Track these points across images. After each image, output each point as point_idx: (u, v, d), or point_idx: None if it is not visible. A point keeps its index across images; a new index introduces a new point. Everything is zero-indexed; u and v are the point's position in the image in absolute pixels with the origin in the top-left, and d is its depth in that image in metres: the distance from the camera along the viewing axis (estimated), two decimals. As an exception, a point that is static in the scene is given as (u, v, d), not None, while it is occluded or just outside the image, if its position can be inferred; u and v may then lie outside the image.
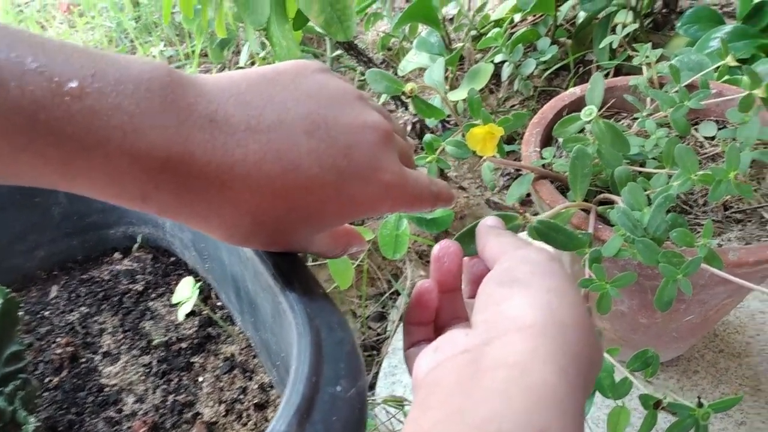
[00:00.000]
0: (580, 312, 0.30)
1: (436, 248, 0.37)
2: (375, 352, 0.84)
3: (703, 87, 0.63)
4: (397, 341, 0.81)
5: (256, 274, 0.38)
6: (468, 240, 0.46)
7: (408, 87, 0.46)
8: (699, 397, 0.43)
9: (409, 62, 1.16)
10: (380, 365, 0.79)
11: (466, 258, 0.38)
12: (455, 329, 0.33)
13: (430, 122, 0.52)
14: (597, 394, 0.47)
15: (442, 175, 1.09)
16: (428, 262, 0.98)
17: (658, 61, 0.70)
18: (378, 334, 0.87)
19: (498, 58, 1.12)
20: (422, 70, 1.40)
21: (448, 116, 1.05)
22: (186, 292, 0.43)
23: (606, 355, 0.48)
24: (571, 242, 0.43)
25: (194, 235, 0.52)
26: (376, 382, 0.77)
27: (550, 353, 0.27)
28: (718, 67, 0.67)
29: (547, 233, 0.43)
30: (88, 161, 0.27)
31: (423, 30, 1.29)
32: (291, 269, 0.38)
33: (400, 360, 0.79)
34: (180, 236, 0.55)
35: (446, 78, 1.18)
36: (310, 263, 0.89)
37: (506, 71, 1.11)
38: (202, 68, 1.47)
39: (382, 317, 0.90)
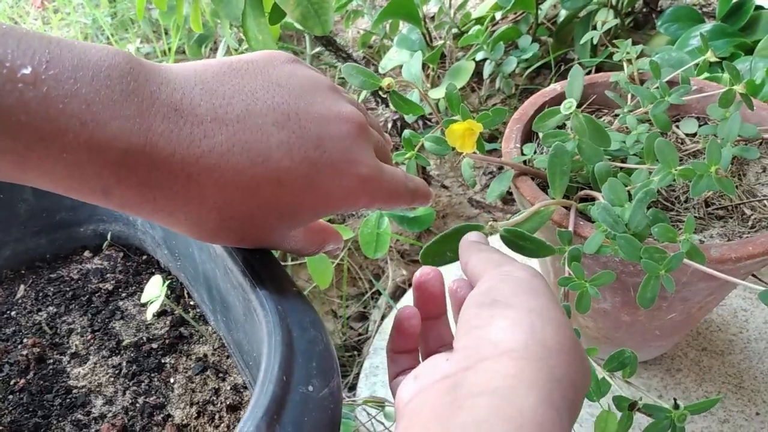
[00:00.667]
0: (565, 332, 0.29)
1: (417, 275, 0.36)
2: (356, 353, 0.83)
3: (684, 82, 0.62)
4: (378, 341, 0.80)
5: (227, 272, 0.36)
6: (446, 244, 0.45)
7: (385, 82, 0.45)
8: (675, 399, 0.42)
9: (390, 60, 1.15)
10: (361, 366, 0.78)
11: (451, 282, 0.37)
12: (437, 355, 0.31)
13: (410, 119, 0.51)
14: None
15: (424, 173, 1.09)
16: (410, 261, 0.96)
17: (638, 57, 0.69)
18: (359, 334, 0.86)
19: (479, 56, 1.11)
20: (403, 67, 1.39)
21: (430, 114, 1.04)
22: (154, 291, 0.42)
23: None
24: (540, 250, 0.43)
25: (165, 232, 0.50)
26: (357, 382, 0.76)
27: (534, 379, 0.25)
28: (698, 64, 0.66)
29: (514, 241, 0.42)
30: (45, 152, 0.26)
31: (404, 28, 1.28)
32: (263, 266, 0.36)
33: (382, 360, 0.78)
34: (151, 233, 0.53)
35: (427, 76, 1.17)
36: (288, 262, 0.88)
37: (487, 69, 1.10)
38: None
39: (363, 317, 0.89)
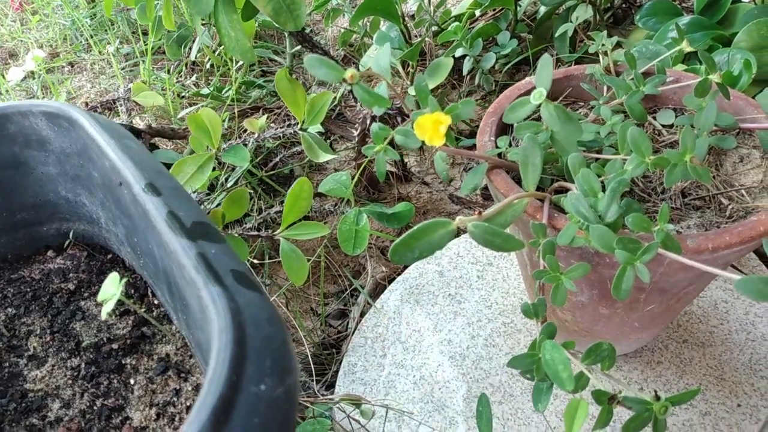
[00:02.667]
0: None
1: None
2: (335, 351, 0.81)
3: (659, 72, 0.62)
4: (357, 339, 0.79)
5: (180, 268, 0.35)
6: (414, 241, 0.44)
7: (348, 73, 0.43)
8: (656, 391, 0.41)
9: (370, 57, 1.14)
10: (340, 363, 0.77)
11: None
12: None
13: (377, 112, 0.49)
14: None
15: (404, 169, 1.07)
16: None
17: (614, 49, 0.68)
18: (338, 332, 0.85)
19: (458, 53, 1.10)
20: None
21: (411, 110, 1.02)
22: (111, 289, 0.40)
23: (564, 350, 0.46)
24: (508, 244, 0.41)
25: (127, 228, 0.49)
26: (336, 380, 0.75)
27: None
28: (674, 54, 0.66)
29: (483, 236, 0.41)
30: None
31: (384, 25, 1.27)
32: (219, 262, 0.35)
33: (360, 358, 0.76)
34: (114, 231, 0.52)
35: (407, 73, 1.16)
36: (266, 260, 0.86)
37: (467, 65, 1.09)
38: (159, 65, 1.42)
39: (343, 315, 0.88)
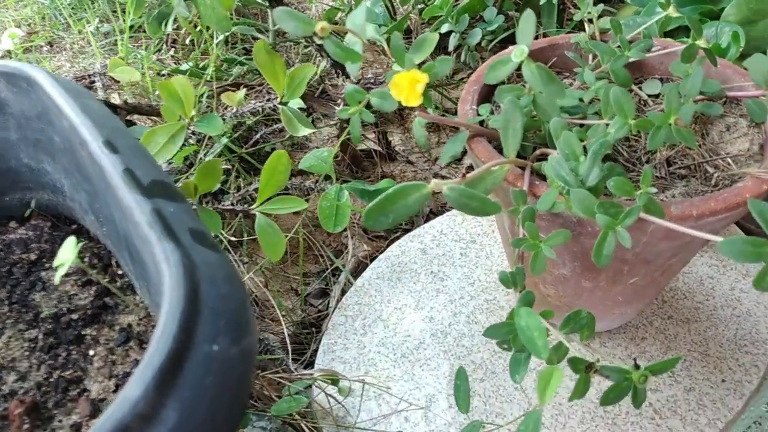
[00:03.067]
0: None
1: None
2: (315, 330, 0.80)
3: (646, 38, 0.60)
4: (337, 317, 0.77)
5: (135, 226, 0.33)
6: (389, 205, 0.42)
7: (318, 26, 0.41)
8: (635, 359, 0.40)
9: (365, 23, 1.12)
10: (319, 342, 0.75)
11: None
12: None
13: (353, 69, 0.47)
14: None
15: (389, 147, 1.05)
16: (374, 236, 0.93)
17: (600, 17, 0.67)
18: (319, 311, 0.83)
19: (444, 29, 1.08)
20: (370, 42, 1.35)
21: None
22: (67, 254, 0.38)
23: (540, 318, 0.44)
24: (485, 207, 0.40)
25: (89, 195, 0.47)
26: (315, 359, 0.73)
27: None
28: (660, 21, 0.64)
29: (459, 200, 0.39)
30: None
31: (369, 1, 1.24)
32: (176, 219, 0.33)
33: (339, 336, 0.75)
34: (78, 199, 0.50)
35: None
36: (244, 237, 0.84)
37: (452, 42, 1.07)
38: (140, 44, 1.39)
39: (325, 294, 0.86)
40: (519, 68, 0.47)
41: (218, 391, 0.26)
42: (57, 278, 0.36)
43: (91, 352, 0.42)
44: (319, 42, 0.42)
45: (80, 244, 0.39)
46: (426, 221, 0.92)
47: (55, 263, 0.38)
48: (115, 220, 0.42)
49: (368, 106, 0.51)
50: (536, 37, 1.15)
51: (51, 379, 0.40)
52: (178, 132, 0.61)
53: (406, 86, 0.45)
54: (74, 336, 0.43)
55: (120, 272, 0.48)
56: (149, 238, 0.31)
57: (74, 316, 0.44)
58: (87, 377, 0.40)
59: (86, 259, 0.49)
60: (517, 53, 0.44)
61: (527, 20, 0.44)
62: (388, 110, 0.49)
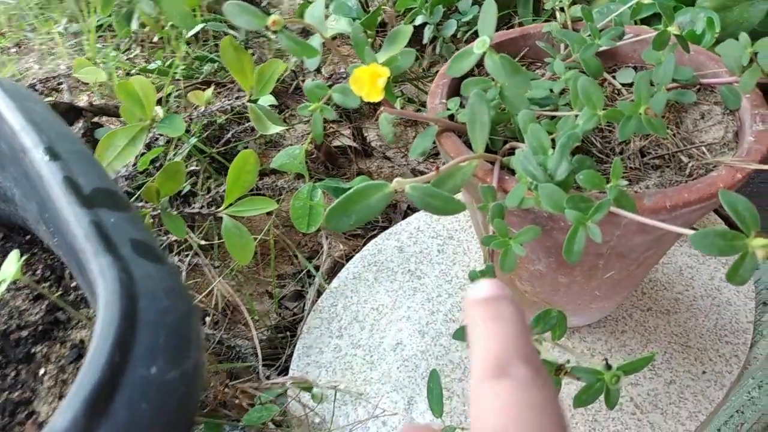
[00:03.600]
0: None
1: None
2: (290, 334, 0.78)
3: (617, 25, 0.58)
4: (312, 320, 0.75)
5: (74, 239, 0.31)
6: (351, 205, 0.40)
7: (271, 19, 0.39)
8: (606, 359, 0.39)
9: (329, 28, 1.10)
10: (294, 346, 0.73)
11: None
12: None
13: (311, 64, 0.46)
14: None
15: (364, 143, 1.04)
16: (349, 235, 0.92)
17: (571, 5, 0.65)
18: (294, 314, 0.81)
19: (419, 21, 1.06)
20: (343, 36, 1.33)
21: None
22: (10, 269, 0.36)
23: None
24: (448, 206, 0.38)
25: (38, 204, 0.44)
26: (290, 364, 0.71)
27: None
28: (632, 8, 0.62)
29: (422, 199, 0.38)
30: None
31: (342, -5, 1.22)
32: (117, 230, 0.31)
33: (315, 340, 0.73)
34: (29, 209, 0.47)
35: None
36: (215, 241, 0.82)
37: (427, 33, 1.05)
38: (109, 42, 1.36)
39: (300, 296, 0.84)
40: (484, 60, 0.45)
41: (156, 417, 0.25)
42: (-4, 295, 0.34)
43: (42, 371, 0.40)
44: (272, 36, 0.40)
45: (23, 259, 0.37)
46: (404, 218, 0.90)
47: (0, 277, 0.36)
48: (62, 231, 0.39)
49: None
50: (511, 26, 1.14)
51: (-3, 401, 0.38)
52: (138, 134, 0.59)
53: (367, 81, 0.43)
54: (24, 354, 0.41)
55: (74, 284, 0.46)
56: (86, 251, 0.29)
57: (24, 333, 0.42)
58: (36, 398, 0.38)
59: (38, 272, 0.47)
60: (478, 44, 0.42)
61: (488, 10, 0.42)
62: (350, 106, 0.47)
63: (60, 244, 0.45)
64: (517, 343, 0.23)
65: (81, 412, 0.23)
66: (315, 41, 0.46)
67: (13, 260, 0.36)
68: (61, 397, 0.38)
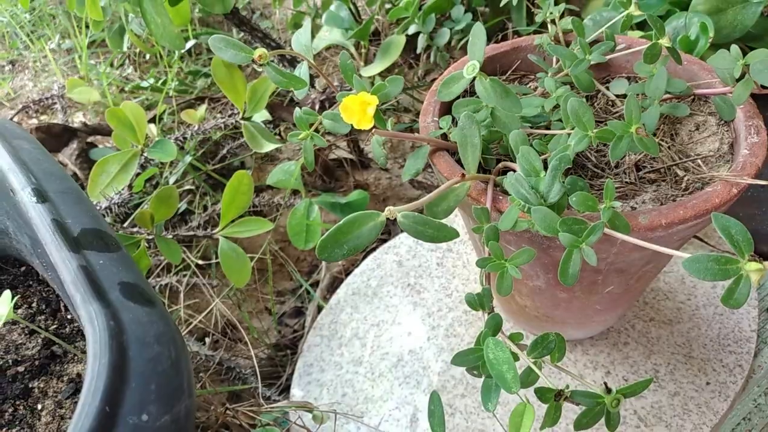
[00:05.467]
0: None
1: None
2: (290, 352, 0.78)
3: (608, 39, 0.58)
4: (312, 338, 0.75)
5: (63, 284, 0.31)
6: (343, 235, 0.40)
7: (257, 53, 0.39)
8: (605, 383, 0.38)
9: (322, 39, 1.10)
10: (295, 365, 0.73)
11: None
12: None
13: (300, 94, 0.45)
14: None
15: (361, 155, 1.03)
16: (348, 249, 0.91)
17: (562, 17, 0.65)
18: (294, 331, 0.81)
19: (412, 30, 1.06)
20: (336, 47, 1.33)
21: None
22: (2, 309, 0.36)
23: (508, 342, 0.42)
24: (441, 234, 0.38)
25: (32, 240, 0.44)
26: (291, 382, 0.71)
27: None
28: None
29: (413, 228, 0.38)
30: None
31: (334, 5, 1.21)
32: (105, 273, 0.31)
33: (315, 358, 0.73)
34: (23, 242, 0.47)
35: (360, 53, 1.12)
36: (212, 260, 0.82)
37: (420, 42, 1.05)
38: (103, 58, 1.36)
39: (299, 313, 0.84)
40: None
41: (145, 470, 0.24)
42: (-13, 339, 0.33)
43: (39, 406, 0.40)
44: (259, 69, 0.40)
45: (18, 297, 0.36)
46: (402, 231, 0.90)
47: (-11, 320, 0.35)
48: (56, 267, 0.39)
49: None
50: (505, 36, 1.13)
51: (-7, 442, 0.38)
52: (130, 160, 0.59)
53: (357, 109, 0.43)
54: (21, 390, 0.40)
55: (69, 316, 0.46)
56: (74, 298, 0.29)
57: (20, 368, 0.42)
58: (32, 436, 0.38)
59: (34, 305, 0.47)
60: (468, 69, 0.42)
61: (477, 35, 0.42)
62: (341, 132, 0.47)
63: (54, 278, 0.45)
64: None
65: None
66: (303, 70, 0.45)
67: (5, 301, 0.35)
68: (57, 435, 0.38)
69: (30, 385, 0.41)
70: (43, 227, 0.33)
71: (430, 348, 0.71)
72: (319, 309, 0.80)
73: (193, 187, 0.87)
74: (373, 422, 0.65)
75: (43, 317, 0.46)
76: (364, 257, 0.86)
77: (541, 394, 0.38)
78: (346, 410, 0.66)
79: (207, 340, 0.75)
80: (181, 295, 0.75)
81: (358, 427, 0.65)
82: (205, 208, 0.85)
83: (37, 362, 0.42)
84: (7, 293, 0.37)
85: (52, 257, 0.32)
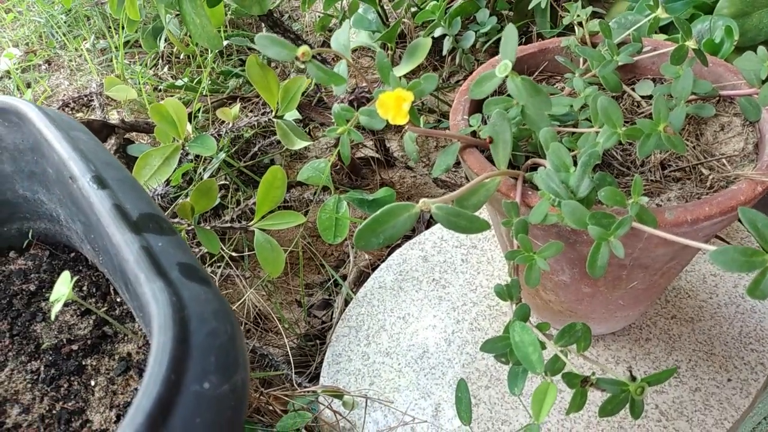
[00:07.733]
0: None
1: None
2: (319, 342, 0.80)
3: (635, 41, 0.60)
4: (340, 329, 0.77)
5: (125, 263, 0.33)
6: (379, 225, 0.42)
7: (300, 51, 0.41)
8: (630, 371, 0.40)
9: (350, 42, 1.12)
10: (324, 354, 0.75)
11: None
12: None
13: (339, 90, 0.47)
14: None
15: (387, 154, 1.06)
16: (374, 245, 0.93)
17: (589, 19, 0.66)
18: (323, 323, 0.83)
19: (437, 33, 1.08)
20: (363, 49, 1.35)
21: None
22: (63, 289, 0.38)
23: (535, 330, 0.44)
24: (474, 225, 0.40)
25: (84, 225, 0.47)
26: (320, 372, 0.74)
27: None
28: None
29: (447, 219, 0.40)
30: None
31: (362, 8, 1.24)
32: (164, 254, 0.33)
33: (344, 348, 0.75)
34: (74, 228, 0.50)
35: (386, 55, 1.14)
36: (245, 252, 0.84)
37: (446, 45, 1.07)
38: (137, 58, 1.40)
39: (327, 305, 0.86)
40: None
41: (211, 430, 0.27)
42: (53, 314, 0.36)
43: (92, 383, 0.42)
44: (301, 66, 0.43)
45: (75, 279, 0.39)
46: (427, 227, 0.92)
47: (52, 298, 0.38)
48: (110, 251, 0.42)
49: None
50: (530, 38, 1.15)
51: (54, 411, 0.40)
52: (172, 154, 0.61)
53: (393, 105, 0.45)
54: (75, 366, 0.43)
55: (119, 299, 0.48)
56: (138, 276, 0.32)
57: (74, 347, 0.44)
58: (89, 408, 0.40)
59: (84, 288, 0.50)
60: (501, 68, 0.44)
61: (509, 35, 0.43)
62: (376, 128, 0.49)
63: (105, 262, 0.48)
64: None
65: (143, 426, 0.25)
66: (342, 68, 0.47)
67: (65, 281, 0.38)
68: (112, 407, 0.40)
69: (83, 363, 0.44)
70: (105, 211, 0.36)
71: (455, 341, 0.73)
72: (347, 302, 0.83)
73: (226, 182, 0.90)
74: (399, 411, 0.67)
75: (93, 300, 0.49)
76: (389, 253, 0.88)
77: (569, 379, 0.40)
78: (373, 399, 0.68)
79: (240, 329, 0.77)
80: (216, 285, 0.78)
81: (385, 415, 0.67)
82: (239, 202, 0.88)
83: (89, 341, 0.45)
84: (66, 274, 0.39)
85: (114, 239, 0.34)
